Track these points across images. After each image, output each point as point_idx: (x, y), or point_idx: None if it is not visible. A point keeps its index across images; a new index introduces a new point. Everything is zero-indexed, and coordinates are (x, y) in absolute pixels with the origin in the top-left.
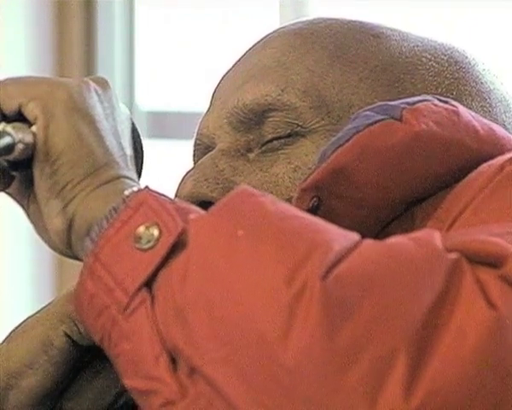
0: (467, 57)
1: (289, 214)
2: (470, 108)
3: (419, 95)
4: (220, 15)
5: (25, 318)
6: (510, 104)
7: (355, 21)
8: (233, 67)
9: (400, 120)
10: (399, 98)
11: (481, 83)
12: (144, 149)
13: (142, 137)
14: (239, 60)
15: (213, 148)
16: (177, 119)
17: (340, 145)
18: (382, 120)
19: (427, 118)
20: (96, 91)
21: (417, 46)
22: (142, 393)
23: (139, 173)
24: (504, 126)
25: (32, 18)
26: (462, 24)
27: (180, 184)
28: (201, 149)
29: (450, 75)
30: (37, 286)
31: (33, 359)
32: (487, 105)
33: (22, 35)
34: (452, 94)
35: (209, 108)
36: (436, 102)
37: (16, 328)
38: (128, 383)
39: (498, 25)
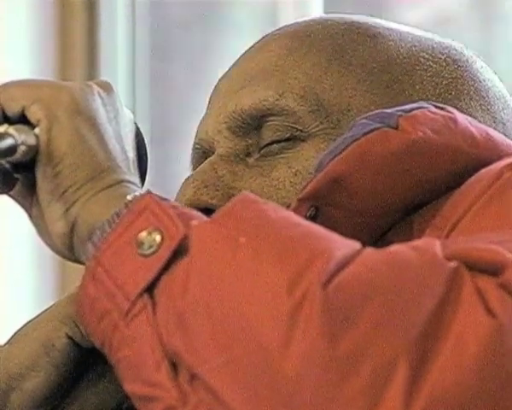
0: (464, 55)
1: (291, 222)
2: (469, 107)
3: (417, 95)
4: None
5: (27, 320)
6: (509, 101)
7: (352, 21)
8: (230, 70)
9: (396, 127)
10: (398, 99)
11: (479, 81)
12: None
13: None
14: (236, 63)
15: (212, 152)
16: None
17: (337, 154)
18: (379, 128)
19: (424, 125)
20: (100, 95)
21: (415, 46)
22: (143, 399)
23: (143, 177)
24: (503, 124)
25: (34, 19)
26: None
27: (180, 190)
28: (200, 153)
29: (448, 75)
30: (39, 289)
31: (35, 361)
32: (486, 103)
33: (25, 36)
34: (451, 94)
35: (207, 112)
36: (433, 108)
37: (19, 330)
38: (129, 388)
39: None
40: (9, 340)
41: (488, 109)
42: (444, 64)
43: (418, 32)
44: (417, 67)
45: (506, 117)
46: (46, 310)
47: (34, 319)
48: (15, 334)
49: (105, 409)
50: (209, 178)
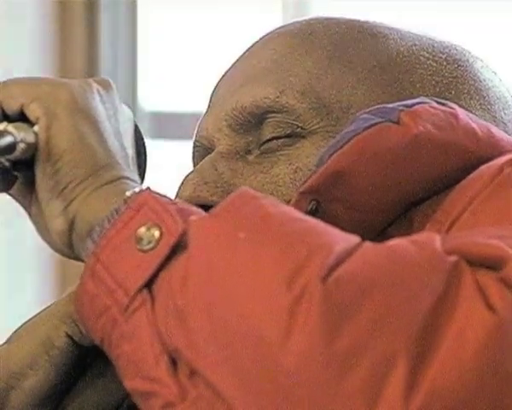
0: (465, 55)
1: (290, 217)
2: (469, 106)
3: (418, 94)
4: (223, 17)
5: (27, 319)
6: (509, 101)
7: (353, 21)
8: (231, 68)
9: (398, 122)
10: (398, 98)
11: (480, 81)
12: (147, 150)
13: (145, 138)
14: (237, 61)
15: (212, 150)
16: (179, 119)
17: (338, 149)
18: (380, 122)
19: (425, 120)
20: (99, 92)
21: (415, 45)
22: (143, 394)
23: (143, 175)
24: (504, 124)
25: (35, 20)
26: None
27: (180, 187)
28: (201, 151)
29: (448, 74)
30: (38, 287)
31: (34, 359)
32: (486, 103)
33: (25, 37)
34: (451, 93)
35: (208, 110)
36: (434, 104)
37: (18, 329)
38: (128, 384)
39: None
40: (9, 339)
41: (488, 109)
42: (444, 63)
43: (419, 32)
44: (417, 66)
45: (507, 117)
46: (46, 309)
47: (34, 317)
48: (15, 333)
49: (105, 408)
50: (209, 175)
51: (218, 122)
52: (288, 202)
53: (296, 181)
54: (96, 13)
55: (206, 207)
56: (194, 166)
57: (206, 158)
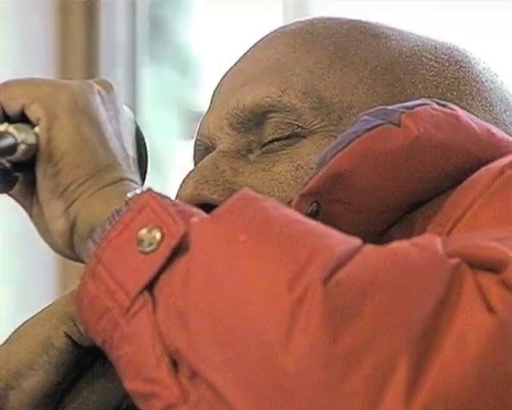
0: (467, 56)
1: (291, 219)
2: (471, 108)
3: (419, 95)
4: (223, 17)
5: (26, 319)
6: (511, 103)
7: (355, 21)
8: (233, 67)
9: (399, 124)
10: (400, 98)
11: (482, 82)
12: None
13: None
14: (239, 60)
15: (214, 149)
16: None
17: (339, 150)
18: (381, 124)
19: (426, 122)
20: (100, 93)
21: (417, 46)
22: (144, 396)
23: (143, 176)
24: (505, 125)
25: (35, 20)
26: (459, 25)
27: (181, 185)
28: (202, 149)
29: (450, 75)
30: (39, 287)
31: (34, 359)
32: (488, 104)
33: (25, 37)
34: (453, 94)
35: (209, 109)
36: (435, 105)
37: (17, 329)
38: (129, 385)
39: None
40: (8, 339)
41: (490, 110)
42: (446, 64)
43: (421, 33)
44: (419, 67)
45: (508, 119)
46: (45, 308)
47: (33, 317)
48: (14, 333)
49: (105, 408)
50: (210, 174)
51: (220, 121)
52: (289, 201)
53: (298, 178)
54: (96, 13)
55: (206, 206)
56: (196, 164)
57: (207, 156)
